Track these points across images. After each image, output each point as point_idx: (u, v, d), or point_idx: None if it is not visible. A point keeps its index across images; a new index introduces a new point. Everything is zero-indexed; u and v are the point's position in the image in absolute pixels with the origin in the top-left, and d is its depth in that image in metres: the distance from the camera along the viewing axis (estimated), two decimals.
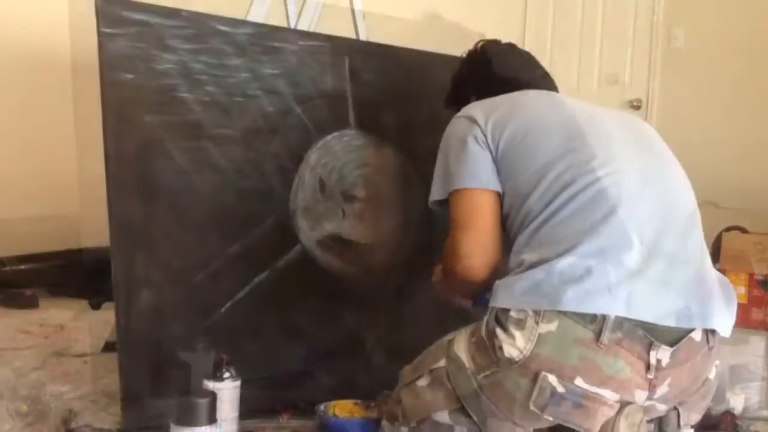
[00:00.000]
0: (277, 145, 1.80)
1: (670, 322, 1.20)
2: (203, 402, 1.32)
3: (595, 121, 1.39)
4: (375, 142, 1.95)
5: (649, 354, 1.19)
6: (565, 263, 1.18)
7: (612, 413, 1.19)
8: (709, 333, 1.27)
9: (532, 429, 1.26)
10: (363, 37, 2.41)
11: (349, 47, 1.98)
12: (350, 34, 2.34)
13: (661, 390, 1.23)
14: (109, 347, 2.12)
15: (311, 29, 2.29)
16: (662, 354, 1.19)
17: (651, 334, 1.19)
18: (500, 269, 1.32)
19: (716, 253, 3.48)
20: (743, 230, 3.49)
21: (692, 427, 1.47)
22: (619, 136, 1.39)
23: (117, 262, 1.56)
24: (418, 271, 1.79)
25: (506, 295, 1.21)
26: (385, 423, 1.38)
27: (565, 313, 1.16)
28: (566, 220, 1.24)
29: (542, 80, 1.59)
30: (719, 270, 3.61)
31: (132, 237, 1.59)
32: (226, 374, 1.43)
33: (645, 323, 1.19)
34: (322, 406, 1.63)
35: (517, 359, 1.17)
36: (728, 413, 1.63)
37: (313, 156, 1.85)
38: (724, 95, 4.10)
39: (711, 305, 1.26)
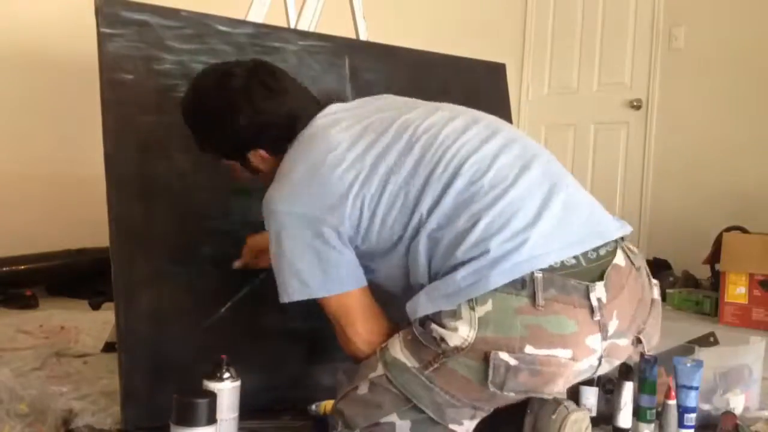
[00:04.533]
0: None
1: (581, 248, 1.25)
2: (203, 402, 1.32)
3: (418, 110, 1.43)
4: None
5: (589, 298, 1.22)
6: (472, 253, 1.21)
7: (568, 371, 1.23)
8: (629, 254, 1.33)
9: (492, 409, 1.28)
10: (363, 37, 2.41)
11: (349, 47, 1.98)
12: (350, 34, 2.34)
13: (613, 325, 1.26)
14: (109, 347, 2.12)
15: (311, 29, 2.29)
16: (599, 292, 1.23)
17: (582, 278, 1.23)
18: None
19: (716, 253, 3.49)
20: (743, 230, 3.49)
21: (690, 426, 1.49)
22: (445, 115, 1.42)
23: (117, 262, 1.56)
24: None
25: (431, 302, 1.24)
26: None
27: (496, 289, 1.19)
28: (454, 218, 1.26)
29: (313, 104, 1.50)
30: (719, 271, 3.62)
31: (132, 237, 1.59)
32: (226, 374, 1.43)
33: (571, 269, 1.22)
34: (313, 406, 1.63)
35: (463, 346, 1.19)
36: (728, 413, 1.63)
37: None
38: (724, 95, 4.11)
39: (603, 219, 1.33)
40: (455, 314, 1.21)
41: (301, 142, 1.43)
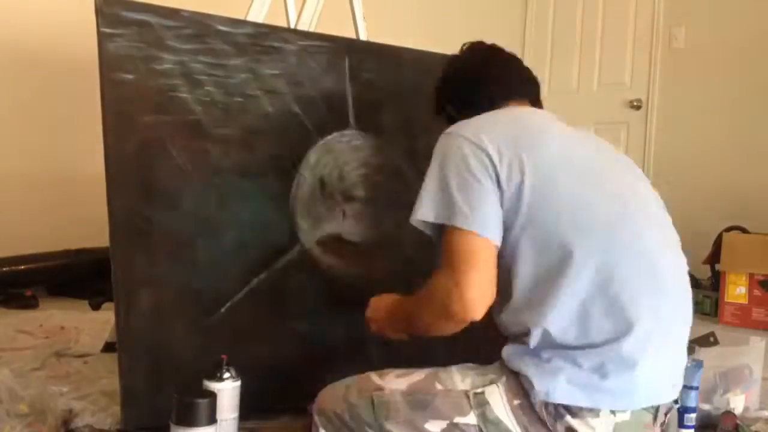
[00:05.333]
0: (276, 145, 1.80)
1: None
2: (203, 402, 1.32)
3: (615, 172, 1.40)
4: (375, 142, 1.95)
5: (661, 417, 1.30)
6: (626, 352, 1.19)
7: None
8: None
9: None
10: (363, 37, 2.41)
11: (349, 47, 1.98)
12: (350, 34, 2.34)
13: None
14: (109, 347, 2.12)
15: (311, 29, 2.29)
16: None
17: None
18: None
19: (716, 253, 3.49)
20: (743, 230, 3.49)
21: (690, 427, 1.52)
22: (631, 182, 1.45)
23: (117, 262, 1.56)
24: (418, 271, 1.78)
25: (570, 390, 1.19)
26: None
27: None
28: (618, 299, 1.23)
29: (527, 87, 1.53)
30: (719, 271, 3.61)
31: (132, 237, 1.59)
32: (226, 374, 1.43)
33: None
34: (312, 406, 1.63)
35: None
36: (728, 413, 1.63)
37: (313, 156, 1.85)
38: (724, 95, 4.11)
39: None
40: (593, 412, 1.19)
41: (518, 110, 1.45)
